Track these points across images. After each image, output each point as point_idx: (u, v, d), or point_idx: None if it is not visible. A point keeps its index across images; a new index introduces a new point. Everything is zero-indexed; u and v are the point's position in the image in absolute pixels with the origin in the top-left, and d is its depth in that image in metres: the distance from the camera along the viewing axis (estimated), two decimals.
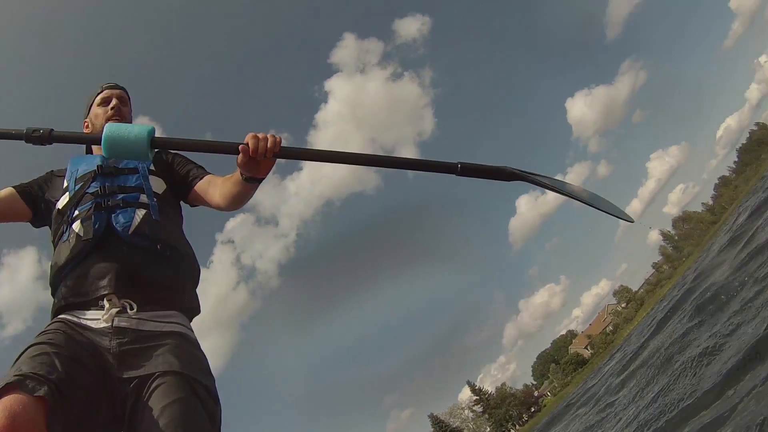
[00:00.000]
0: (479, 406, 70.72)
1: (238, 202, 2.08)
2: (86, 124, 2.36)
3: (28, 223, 2.14)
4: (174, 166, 2.30)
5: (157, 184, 2.14)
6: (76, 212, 1.95)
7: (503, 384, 75.40)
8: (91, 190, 2.01)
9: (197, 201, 2.28)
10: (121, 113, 2.31)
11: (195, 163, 2.32)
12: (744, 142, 73.94)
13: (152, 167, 2.17)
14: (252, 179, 1.91)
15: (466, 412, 72.16)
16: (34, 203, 2.12)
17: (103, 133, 1.70)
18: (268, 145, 1.76)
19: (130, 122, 2.32)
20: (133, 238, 1.90)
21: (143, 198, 2.03)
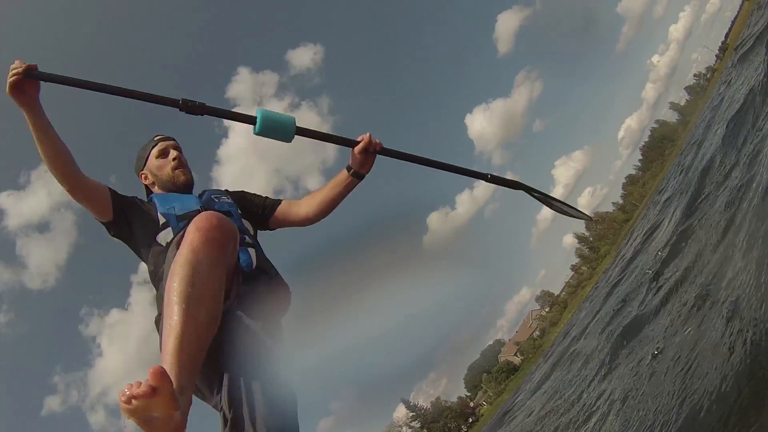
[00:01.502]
0: (417, 422, 70.73)
1: (336, 203, 2.46)
2: (144, 175, 2.51)
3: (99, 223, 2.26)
4: (248, 202, 2.53)
5: (247, 224, 2.37)
6: None
7: (438, 398, 75.57)
8: None
9: (279, 224, 2.55)
10: (183, 162, 2.49)
11: (264, 195, 2.59)
12: (646, 140, 77.24)
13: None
14: (358, 174, 2.39)
15: (404, 429, 71.96)
16: (118, 212, 2.24)
17: (259, 114, 2.07)
18: (377, 140, 2.33)
19: (190, 170, 2.51)
20: (259, 275, 2.08)
21: (247, 238, 2.23)
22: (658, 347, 5.09)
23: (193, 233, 1.60)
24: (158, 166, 2.46)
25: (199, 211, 2.18)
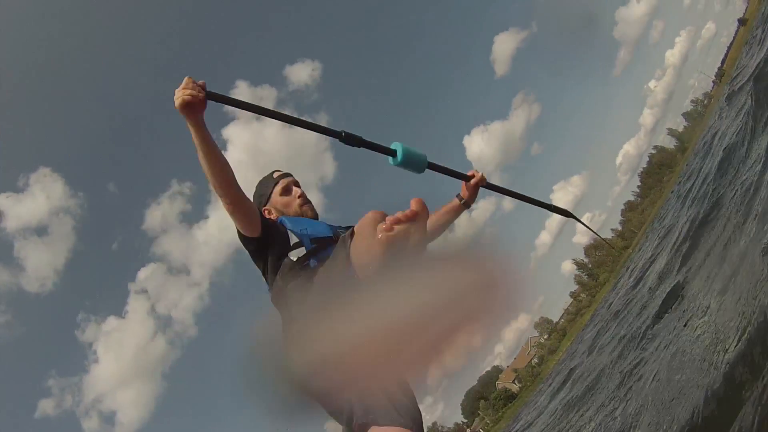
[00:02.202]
0: None
1: (446, 228, 2.72)
2: (268, 211, 2.63)
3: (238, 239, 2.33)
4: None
5: None
6: None
7: (434, 424, 74.87)
8: (329, 254, 2.22)
9: None
10: (307, 197, 2.67)
11: None
12: (645, 166, 77.51)
13: None
14: (467, 204, 2.69)
15: None
16: (265, 229, 2.33)
17: (399, 147, 2.20)
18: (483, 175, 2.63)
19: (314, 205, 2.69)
20: None
21: None
22: (657, 372, 5.16)
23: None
24: (284, 203, 2.61)
25: (331, 237, 2.38)
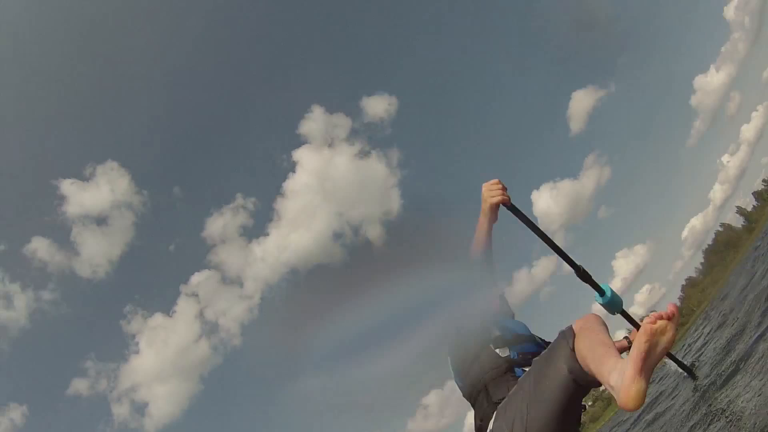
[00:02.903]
0: None
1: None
2: None
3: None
4: None
5: None
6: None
7: None
8: (527, 350, 2.58)
9: None
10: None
11: None
12: (710, 243, 75.31)
13: None
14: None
15: None
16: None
17: (609, 291, 2.58)
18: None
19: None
20: None
21: None
22: None
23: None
24: None
25: (530, 338, 2.72)
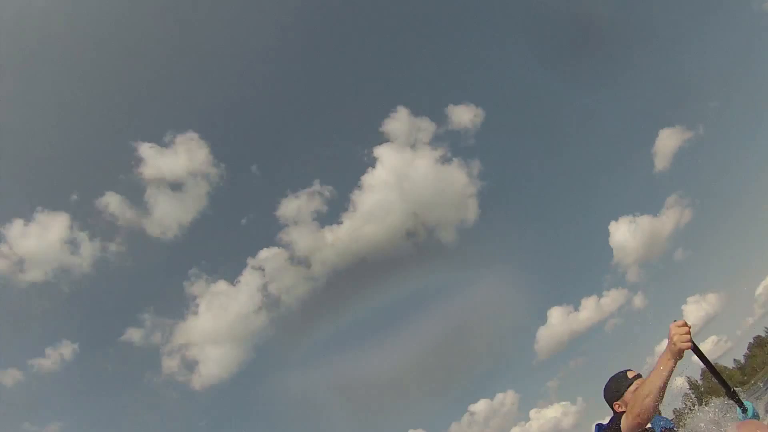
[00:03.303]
0: None
1: None
2: (618, 405, 3.14)
3: None
4: None
5: None
6: None
7: None
8: None
9: None
10: None
11: None
12: None
13: None
14: None
15: None
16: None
17: (751, 408, 2.94)
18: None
19: None
20: None
21: None
22: None
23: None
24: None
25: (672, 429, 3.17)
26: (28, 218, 43.02)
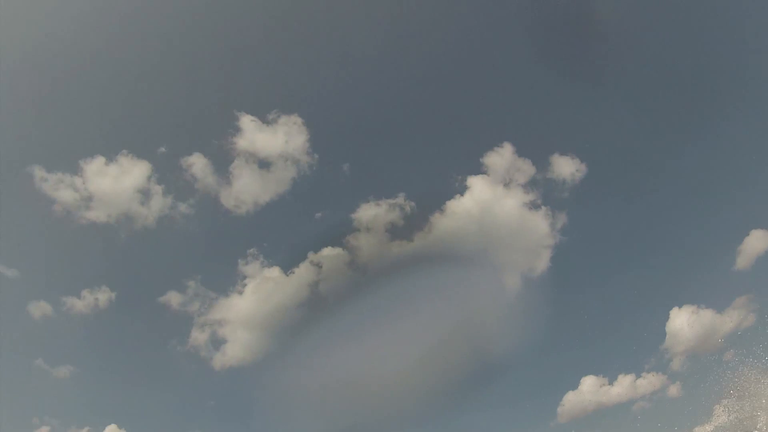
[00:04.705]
0: None
1: None
2: None
3: None
4: None
5: None
6: None
7: None
8: None
9: None
10: None
11: None
12: None
13: None
14: None
15: None
16: None
17: None
18: None
19: None
20: None
21: None
22: None
23: None
24: None
25: None
26: (110, 158, 43.51)
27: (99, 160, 41.79)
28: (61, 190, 41.11)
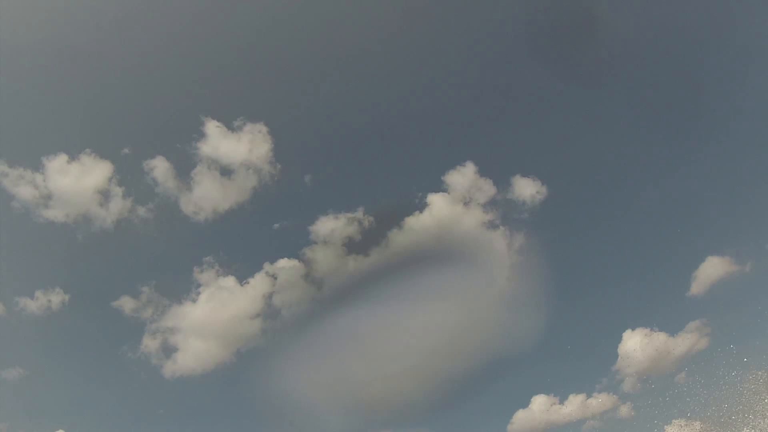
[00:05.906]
0: None
1: None
2: None
3: None
4: None
5: None
6: None
7: None
8: None
9: None
10: None
11: None
12: None
13: None
14: None
15: None
16: None
17: None
18: None
19: None
20: None
21: None
22: None
23: None
24: None
25: None
26: (73, 156, 42.57)
27: (62, 158, 40.80)
28: (21, 186, 40.02)
